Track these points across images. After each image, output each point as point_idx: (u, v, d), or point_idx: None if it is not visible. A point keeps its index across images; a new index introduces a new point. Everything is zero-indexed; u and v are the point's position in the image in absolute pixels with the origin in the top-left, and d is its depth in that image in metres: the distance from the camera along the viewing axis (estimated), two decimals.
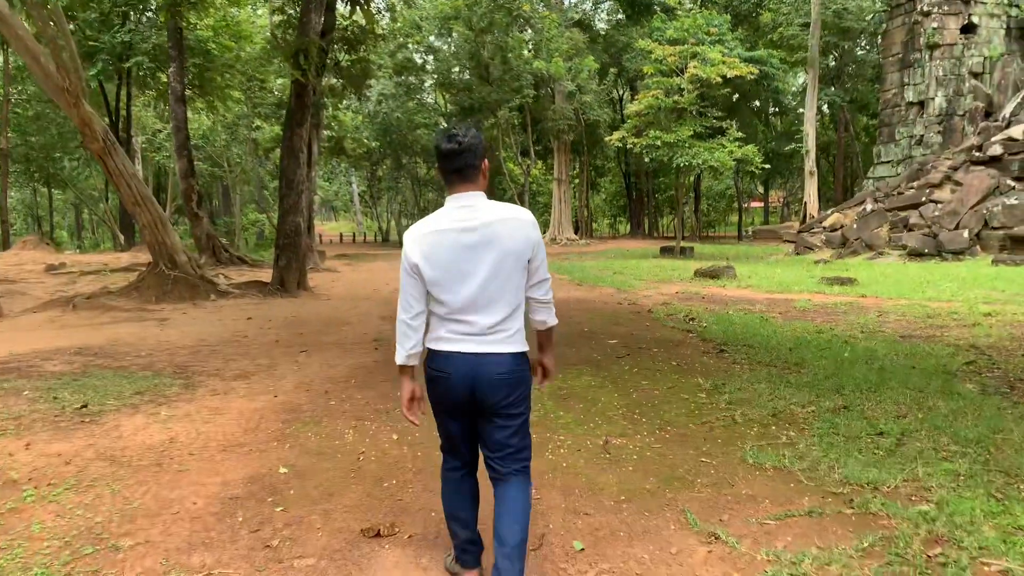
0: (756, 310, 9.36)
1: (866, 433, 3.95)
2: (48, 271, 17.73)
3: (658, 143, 21.86)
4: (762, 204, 55.48)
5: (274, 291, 12.42)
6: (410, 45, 33.78)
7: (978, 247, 16.56)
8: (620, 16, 38.61)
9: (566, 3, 38.55)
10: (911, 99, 23.54)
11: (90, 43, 20.94)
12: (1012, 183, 17.37)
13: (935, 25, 22.59)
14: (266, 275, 14.01)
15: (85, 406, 4.70)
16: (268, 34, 21.37)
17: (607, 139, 27.76)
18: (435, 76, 36.06)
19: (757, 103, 38.70)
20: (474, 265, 2.22)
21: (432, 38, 35.35)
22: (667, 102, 22.01)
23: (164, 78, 21.99)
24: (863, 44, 36.43)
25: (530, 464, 2.42)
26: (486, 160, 2.33)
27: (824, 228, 21.82)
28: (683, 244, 24.59)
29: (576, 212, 41.12)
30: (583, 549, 2.75)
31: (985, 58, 22.41)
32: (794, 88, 39.12)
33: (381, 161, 40.67)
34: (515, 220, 2.26)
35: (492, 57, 31.16)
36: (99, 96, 23.75)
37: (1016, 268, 13.49)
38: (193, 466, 3.68)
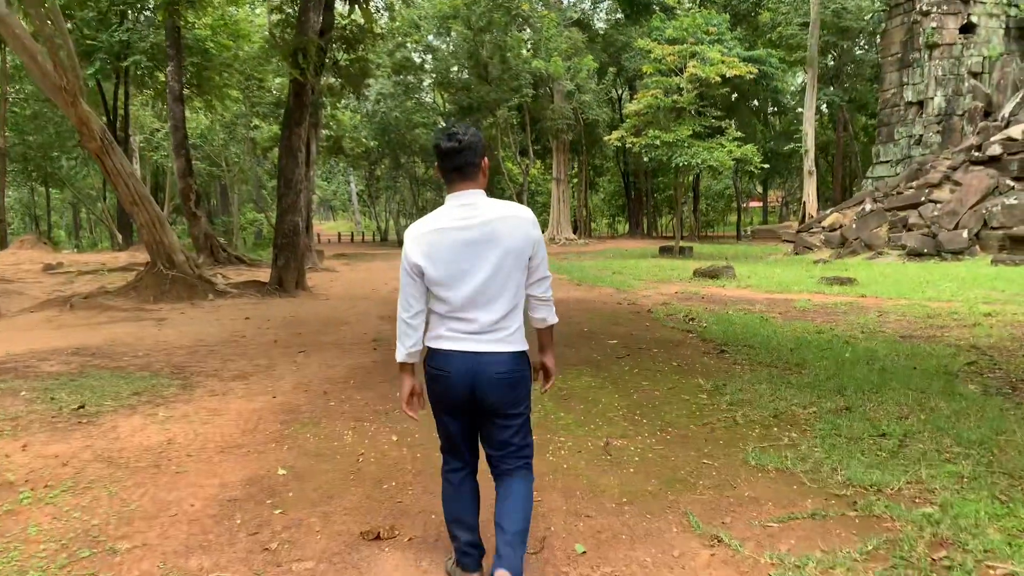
0: (756, 310, 9.35)
1: (868, 434, 3.93)
2: (45, 270, 17.69)
3: (657, 143, 21.85)
4: (761, 204, 55.44)
5: (272, 291, 12.39)
6: (409, 44, 33.73)
7: (977, 247, 16.56)
8: (619, 15, 38.63)
9: (565, 2, 38.53)
10: (910, 99, 23.55)
11: (88, 42, 20.89)
12: (1011, 183, 17.38)
13: (934, 25, 22.59)
14: (264, 275, 13.99)
15: (82, 407, 4.67)
16: (266, 33, 21.34)
17: (606, 139, 27.78)
18: (434, 75, 36.00)
19: (756, 103, 38.73)
20: (475, 263, 2.21)
21: (431, 37, 35.31)
22: (666, 101, 22.00)
23: (162, 77, 21.95)
24: (862, 44, 36.44)
25: (532, 460, 2.41)
26: (486, 158, 2.33)
27: (823, 228, 21.82)
28: (682, 244, 24.57)
29: (575, 212, 41.11)
30: (585, 552, 2.72)
31: (984, 58, 22.41)
32: (793, 88, 39.14)
33: (379, 160, 40.61)
34: (515, 218, 2.26)
35: (491, 56, 31.12)
36: (97, 95, 23.68)
37: (1016, 268, 13.48)
38: (191, 468, 3.65)
